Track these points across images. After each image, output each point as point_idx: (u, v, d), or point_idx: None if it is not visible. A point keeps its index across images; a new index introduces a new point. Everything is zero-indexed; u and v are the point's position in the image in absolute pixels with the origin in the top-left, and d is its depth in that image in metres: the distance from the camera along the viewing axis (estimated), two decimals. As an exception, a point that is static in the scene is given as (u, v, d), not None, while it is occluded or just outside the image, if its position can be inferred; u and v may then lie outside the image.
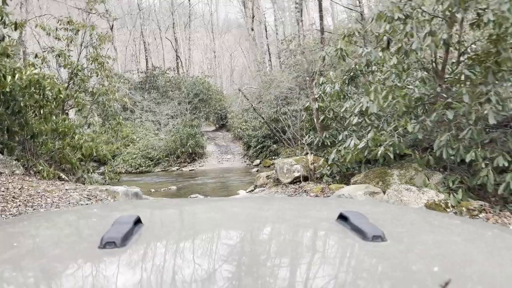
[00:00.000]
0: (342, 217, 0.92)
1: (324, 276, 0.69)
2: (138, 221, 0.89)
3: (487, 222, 3.46)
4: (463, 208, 4.72)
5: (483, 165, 4.69)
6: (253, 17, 30.22)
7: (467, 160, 4.83)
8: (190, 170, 18.09)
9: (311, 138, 8.25)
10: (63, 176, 8.52)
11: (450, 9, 4.81)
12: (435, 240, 0.91)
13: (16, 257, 0.81)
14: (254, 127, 19.59)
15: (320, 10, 21.68)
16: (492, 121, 4.66)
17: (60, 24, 9.82)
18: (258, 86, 21.87)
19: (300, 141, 10.61)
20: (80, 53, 10.52)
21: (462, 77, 5.23)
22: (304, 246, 0.85)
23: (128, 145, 18.84)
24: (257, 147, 18.94)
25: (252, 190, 8.39)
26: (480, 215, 4.69)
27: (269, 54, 30.50)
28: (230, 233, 0.93)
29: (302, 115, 11.03)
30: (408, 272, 0.70)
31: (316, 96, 8.48)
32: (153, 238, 0.88)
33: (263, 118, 17.66)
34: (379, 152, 5.15)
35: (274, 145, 17.94)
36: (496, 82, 4.77)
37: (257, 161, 18.54)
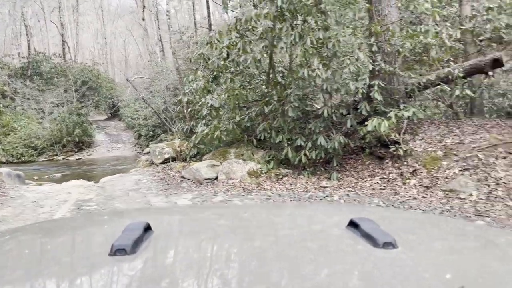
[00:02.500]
0: (353, 224, 0.92)
1: (335, 284, 0.70)
2: (148, 228, 0.90)
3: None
4: (272, 173, 6.83)
5: (285, 145, 6.84)
6: (143, 7, 30.54)
7: (277, 141, 6.95)
8: (77, 159, 18.37)
9: (182, 126, 9.87)
10: None
11: (263, 36, 6.83)
12: (447, 247, 0.91)
13: (27, 264, 0.83)
14: (146, 117, 20.25)
15: (208, 8, 23.26)
16: (291, 114, 6.81)
17: None
18: (149, 76, 22.64)
19: (174, 128, 12.18)
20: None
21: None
22: (314, 253, 0.84)
23: (9, 134, 18.33)
24: (148, 136, 19.66)
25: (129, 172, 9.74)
26: (284, 178, 6.84)
27: (162, 45, 30.91)
28: (241, 240, 0.93)
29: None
30: (421, 280, 0.70)
31: (186, 91, 10.11)
32: (163, 245, 0.88)
33: (152, 108, 18.56)
34: (216, 135, 7.06)
35: (164, 134, 18.99)
36: (295, 87, 6.94)
37: (148, 149, 19.41)
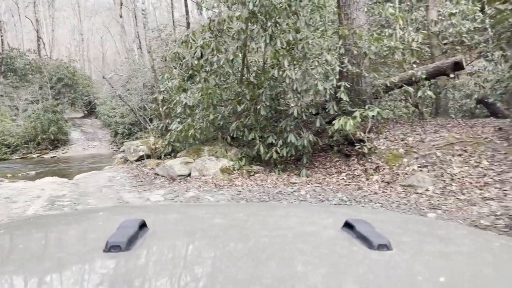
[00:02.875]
0: (348, 225, 0.92)
1: (328, 285, 0.71)
2: (143, 225, 0.91)
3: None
4: (244, 170, 7.05)
5: (257, 141, 7.07)
6: (121, 4, 30.26)
7: (249, 138, 7.18)
8: (52, 157, 18.21)
9: (157, 124, 9.97)
10: None
11: (236, 36, 7.05)
12: (441, 250, 0.92)
13: (21, 259, 0.84)
14: (122, 114, 20.14)
15: (186, 6, 23.26)
16: (262, 113, 7.04)
17: None
18: (126, 73, 22.50)
19: (149, 126, 12.25)
20: None
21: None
22: (308, 254, 0.85)
23: (-19, 132, 17.99)
24: (124, 134, 19.54)
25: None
26: (256, 175, 7.06)
27: (139, 42, 30.65)
28: (235, 239, 0.94)
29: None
30: (414, 282, 0.71)
31: (162, 89, 10.21)
32: (158, 242, 0.88)
33: (129, 106, 18.49)
34: (190, 133, 7.24)
35: (141, 132, 18.93)
36: (267, 86, 7.18)
37: (124, 147, 19.29)
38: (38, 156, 18.17)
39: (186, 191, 6.19)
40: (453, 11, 8.40)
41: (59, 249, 0.91)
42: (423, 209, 4.72)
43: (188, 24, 21.92)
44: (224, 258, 0.83)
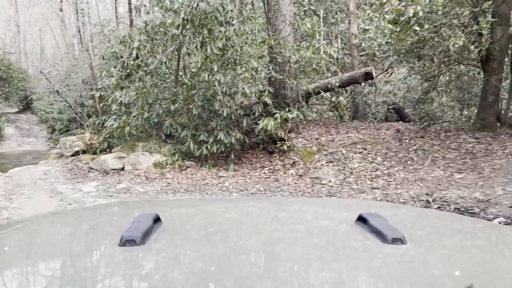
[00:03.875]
0: (361, 219, 0.92)
1: (342, 279, 0.71)
2: (157, 220, 0.92)
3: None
4: (176, 165, 7.64)
5: (189, 139, 7.69)
6: (61, -2, 29.30)
7: (181, 136, 7.78)
8: (-18, 153, 17.56)
9: (93, 120, 10.23)
10: None
11: (170, 40, 7.63)
12: (456, 244, 0.91)
13: (37, 254, 0.86)
14: (60, 110, 19.74)
15: (129, 3, 23.14)
16: (195, 112, 7.68)
17: None
18: (66, 68, 21.99)
19: (84, 123, 12.42)
20: None
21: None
22: (321, 248, 0.84)
23: None
24: (62, 131, 19.17)
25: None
26: (188, 169, 7.66)
27: (80, 37, 29.81)
28: (249, 234, 0.95)
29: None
30: (429, 276, 0.71)
31: (99, 87, 10.48)
32: (172, 236, 0.89)
33: (67, 102, 18.21)
34: (126, 130, 7.71)
35: (79, 129, 18.66)
36: (200, 88, 7.83)
37: (60, 143, 18.93)
38: (-34, 152, 17.40)
39: (118, 183, 6.65)
40: (367, 27, 9.54)
41: (75, 244, 0.92)
42: (322, 196, 5.61)
43: (131, 21, 21.85)
44: (238, 252, 0.83)
